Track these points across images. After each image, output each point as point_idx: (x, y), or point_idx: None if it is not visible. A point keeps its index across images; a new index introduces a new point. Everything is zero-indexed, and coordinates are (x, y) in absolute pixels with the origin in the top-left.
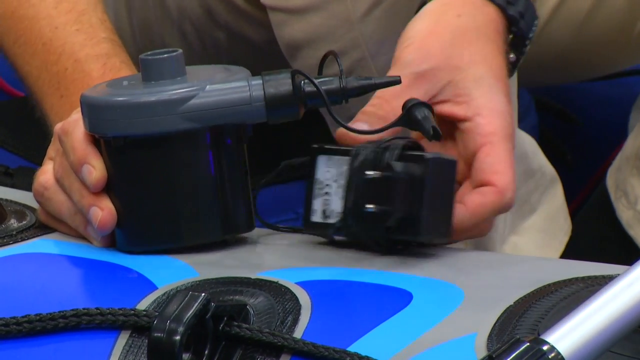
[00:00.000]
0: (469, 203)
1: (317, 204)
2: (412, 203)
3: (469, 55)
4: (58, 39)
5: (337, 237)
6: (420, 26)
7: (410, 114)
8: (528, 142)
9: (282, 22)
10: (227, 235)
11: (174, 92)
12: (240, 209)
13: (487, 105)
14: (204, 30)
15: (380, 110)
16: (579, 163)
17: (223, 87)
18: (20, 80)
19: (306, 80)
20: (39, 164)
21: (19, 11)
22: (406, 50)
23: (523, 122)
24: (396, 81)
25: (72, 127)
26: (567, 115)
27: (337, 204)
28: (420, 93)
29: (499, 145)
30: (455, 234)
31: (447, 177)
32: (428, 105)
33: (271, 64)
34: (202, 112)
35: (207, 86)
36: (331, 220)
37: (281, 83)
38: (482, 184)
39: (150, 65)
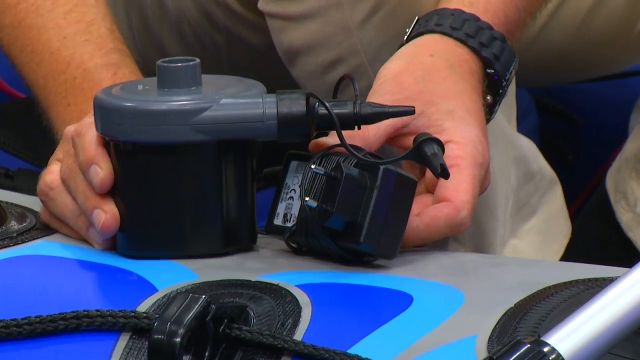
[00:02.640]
0: (424, 214)
1: (281, 208)
2: (357, 210)
3: (441, 90)
4: (66, 49)
5: (296, 247)
6: (393, 65)
7: (419, 149)
8: (527, 146)
9: (280, 28)
10: (228, 248)
11: (187, 102)
12: (243, 223)
13: (459, 134)
14: (202, 33)
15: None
16: (580, 164)
17: (237, 101)
18: (27, 89)
19: (320, 103)
20: (40, 166)
21: (26, 21)
22: (381, 85)
23: (523, 123)
24: (410, 111)
25: (85, 129)
26: (568, 115)
27: (297, 209)
28: (394, 120)
29: (465, 169)
30: (405, 242)
31: (403, 195)
32: (438, 141)
33: (270, 67)
34: (214, 125)
35: (222, 99)
36: (289, 224)
37: (295, 103)
38: (441, 200)
39: (166, 72)
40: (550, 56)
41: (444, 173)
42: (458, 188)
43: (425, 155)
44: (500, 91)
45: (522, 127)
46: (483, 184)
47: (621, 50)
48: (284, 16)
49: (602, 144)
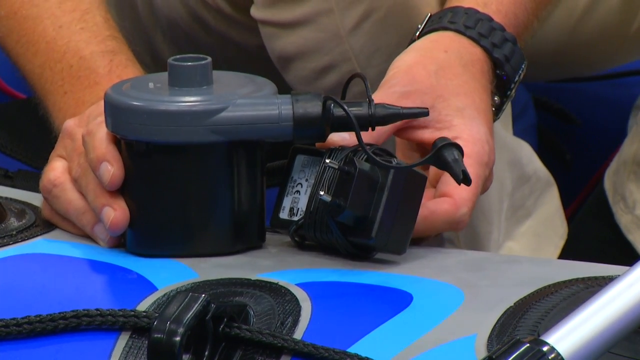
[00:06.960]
0: (423, 207)
1: (287, 201)
2: (369, 205)
3: (452, 87)
4: (62, 38)
5: (299, 240)
6: (407, 57)
7: (440, 154)
8: (522, 148)
9: (272, 35)
10: (238, 247)
11: (203, 103)
12: (253, 222)
13: (468, 132)
14: (194, 36)
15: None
16: (578, 163)
17: (252, 102)
18: (23, 80)
19: (335, 104)
20: (39, 168)
21: (21, 11)
22: (393, 76)
23: (521, 121)
24: (424, 113)
25: (96, 128)
26: (566, 114)
27: (304, 203)
28: None
29: (471, 167)
30: None
31: (414, 191)
32: (458, 146)
33: (264, 68)
34: (229, 126)
35: (237, 100)
36: (295, 218)
37: (311, 104)
38: (443, 196)
39: (178, 71)
40: (546, 53)
41: (466, 180)
42: (460, 186)
43: (446, 161)
44: (508, 93)
45: (520, 124)
46: (485, 183)
47: (618, 48)
48: (276, 23)
49: (600, 143)
